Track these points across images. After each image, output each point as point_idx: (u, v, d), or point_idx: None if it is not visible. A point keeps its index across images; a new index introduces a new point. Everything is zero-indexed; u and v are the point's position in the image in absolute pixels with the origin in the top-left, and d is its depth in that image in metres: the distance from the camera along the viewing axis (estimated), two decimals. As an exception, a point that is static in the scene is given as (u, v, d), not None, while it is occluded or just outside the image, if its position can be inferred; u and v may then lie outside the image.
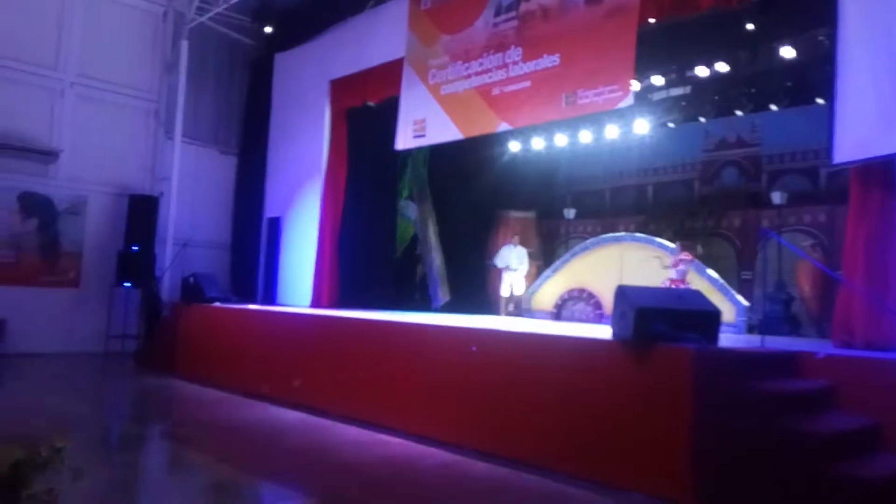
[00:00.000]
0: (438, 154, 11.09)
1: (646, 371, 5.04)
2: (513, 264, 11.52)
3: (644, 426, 4.97)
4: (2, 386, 9.05)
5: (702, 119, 11.96)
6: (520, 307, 11.86)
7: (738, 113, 11.31)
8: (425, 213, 13.50)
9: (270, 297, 12.95)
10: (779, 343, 6.99)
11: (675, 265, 10.10)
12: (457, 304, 12.57)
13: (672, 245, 10.52)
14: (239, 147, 14.26)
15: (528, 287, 12.12)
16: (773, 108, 10.79)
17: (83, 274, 12.19)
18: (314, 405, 7.62)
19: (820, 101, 9.53)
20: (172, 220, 12.58)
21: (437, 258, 13.41)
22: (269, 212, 13.41)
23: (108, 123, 12.52)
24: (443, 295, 13.26)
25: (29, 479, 3.19)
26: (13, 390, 8.92)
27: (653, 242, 10.99)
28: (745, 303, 10.08)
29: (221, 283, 11.57)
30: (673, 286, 9.66)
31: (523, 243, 12.14)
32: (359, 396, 7.23)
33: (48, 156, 11.84)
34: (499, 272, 11.88)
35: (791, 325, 10.37)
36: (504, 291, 11.61)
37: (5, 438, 3.35)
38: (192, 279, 10.50)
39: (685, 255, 10.12)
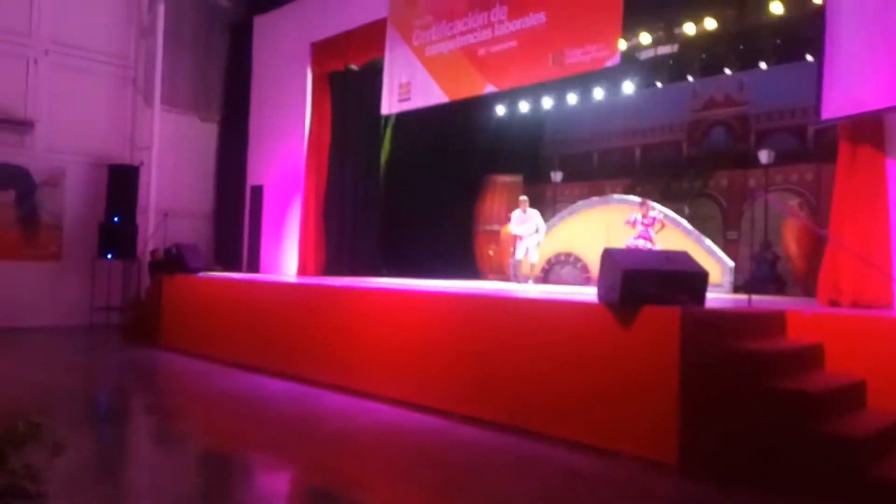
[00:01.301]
0: (418, 118, 10.86)
1: (633, 333, 5.00)
2: (528, 231, 10.55)
3: (632, 388, 4.94)
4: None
5: (690, 78, 11.81)
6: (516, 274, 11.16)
7: (727, 71, 11.17)
8: None
9: (255, 266, 12.84)
10: (766, 302, 6.99)
11: (639, 224, 9.78)
12: (445, 271, 12.49)
13: (638, 200, 10.23)
14: (220, 114, 13.98)
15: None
16: (762, 65, 10.66)
17: (64, 246, 12.00)
18: (301, 375, 7.57)
19: (809, 57, 9.42)
20: (154, 189, 12.41)
21: None
22: (253, 179, 13.22)
23: (85, 92, 12.22)
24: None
25: (6, 455, 3.13)
26: (-4, 366, 8.81)
27: (640, 204, 10.91)
28: (731, 263, 10.06)
29: (205, 253, 11.40)
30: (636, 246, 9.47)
31: (511, 208, 11.37)
32: (345, 365, 7.18)
33: (23, 126, 11.56)
34: (489, 236, 11.56)
35: (777, 285, 10.39)
36: (520, 255, 10.64)
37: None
38: (174, 249, 10.34)
39: (655, 215, 9.80)
